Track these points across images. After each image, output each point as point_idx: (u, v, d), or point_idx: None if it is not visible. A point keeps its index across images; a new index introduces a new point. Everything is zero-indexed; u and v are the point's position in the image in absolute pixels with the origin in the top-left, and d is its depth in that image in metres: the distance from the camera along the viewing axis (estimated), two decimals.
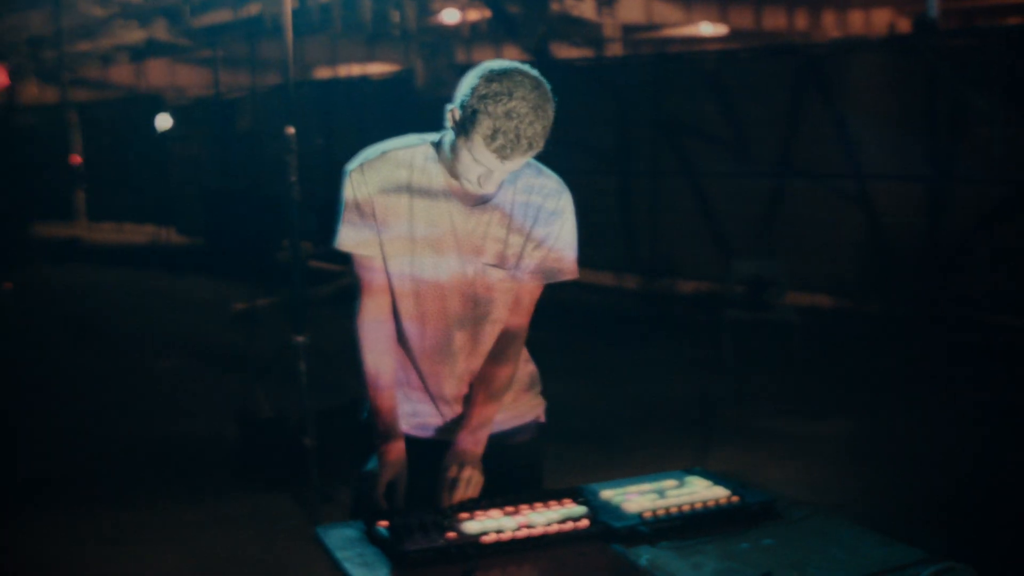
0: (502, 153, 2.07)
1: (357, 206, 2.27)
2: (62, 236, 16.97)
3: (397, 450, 2.31)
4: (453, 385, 2.39)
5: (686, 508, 2.16)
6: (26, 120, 19.69)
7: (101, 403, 6.79)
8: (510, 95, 2.05)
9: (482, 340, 2.36)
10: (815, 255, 8.67)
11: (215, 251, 13.47)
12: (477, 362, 2.38)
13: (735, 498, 2.22)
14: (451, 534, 2.03)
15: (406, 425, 2.41)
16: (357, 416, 2.49)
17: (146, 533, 4.57)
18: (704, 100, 9.64)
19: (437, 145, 2.28)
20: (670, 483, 2.33)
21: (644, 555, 2.00)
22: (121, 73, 22.42)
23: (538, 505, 2.18)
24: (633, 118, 10.27)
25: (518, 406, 2.49)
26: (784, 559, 1.98)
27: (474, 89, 2.07)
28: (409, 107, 12.18)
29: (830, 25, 21.13)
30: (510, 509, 2.16)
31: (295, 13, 5.08)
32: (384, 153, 2.28)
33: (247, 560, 4.31)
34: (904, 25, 18.67)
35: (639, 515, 2.13)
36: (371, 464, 2.34)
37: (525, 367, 2.50)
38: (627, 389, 6.94)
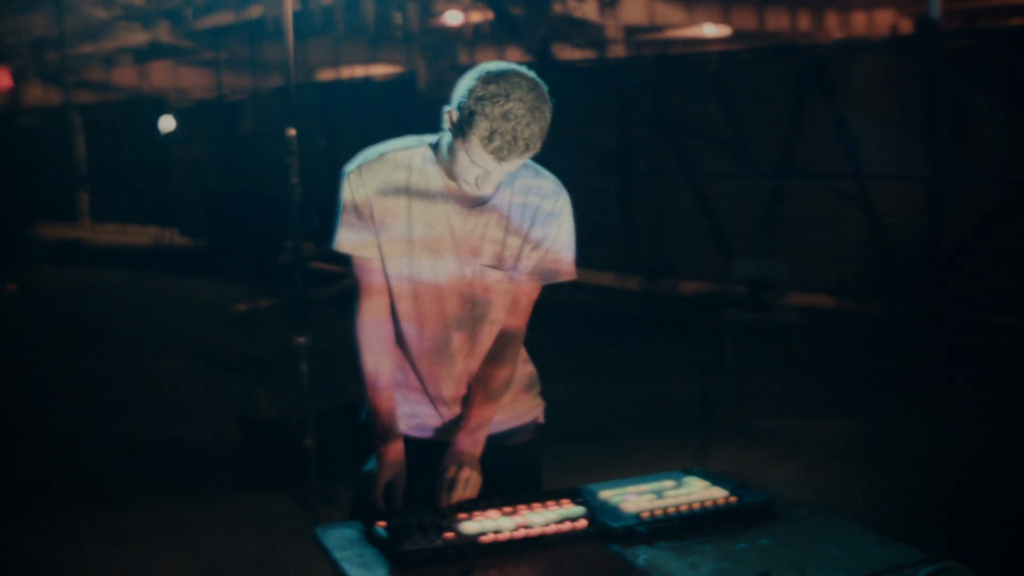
0: (499, 154, 2.08)
1: (355, 208, 2.28)
2: (65, 237, 17.00)
3: (396, 451, 2.31)
4: (451, 386, 2.39)
5: (684, 508, 2.17)
6: (29, 122, 19.74)
7: (102, 403, 6.81)
8: (507, 97, 2.05)
9: (480, 341, 2.37)
10: (816, 255, 8.67)
11: (217, 252, 13.49)
12: (475, 363, 2.38)
13: (733, 498, 2.22)
14: (449, 534, 2.04)
15: (405, 426, 2.42)
16: (357, 417, 2.50)
17: (146, 533, 4.58)
18: (706, 101, 9.64)
19: (435, 147, 2.28)
20: (668, 483, 2.33)
21: (641, 555, 2.01)
22: (124, 75, 22.45)
23: (536, 505, 2.18)
24: (635, 119, 10.27)
25: (517, 407, 2.49)
26: (782, 559, 1.98)
27: (471, 91, 2.08)
28: (412, 109, 12.19)
29: (833, 26, 21.11)
30: (508, 509, 2.16)
31: (297, 15, 5.10)
32: (382, 155, 2.29)
33: (247, 560, 4.31)
34: (906, 26, 18.66)
35: (637, 515, 2.13)
36: (370, 465, 2.35)
37: (524, 368, 2.51)
38: (627, 389, 6.94)
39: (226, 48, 18.31)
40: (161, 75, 22.87)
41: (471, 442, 2.31)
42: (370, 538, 2.09)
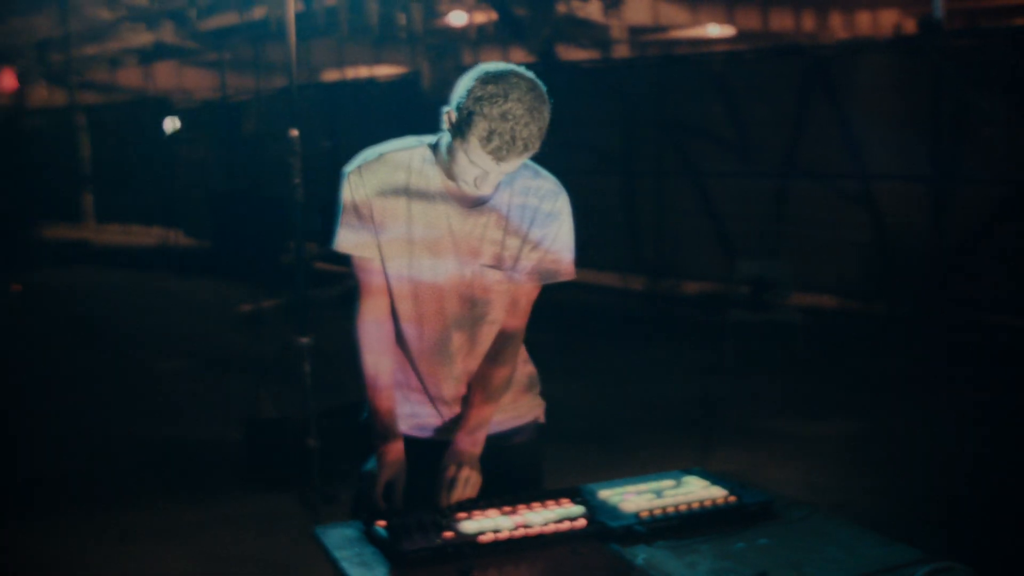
0: (498, 155, 2.08)
1: (355, 208, 2.28)
2: (70, 238, 17.03)
3: (396, 450, 2.32)
4: (451, 386, 2.39)
5: (683, 508, 2.17)
6: (34, 123, 19.76)
7: (104, 403, 6.82)
8: (505, 97, 2.05)
9: (480, 341, 2.37)
10: (819, 255, 8.66)
11: (221, 253, 13.50)
12: (475, 363, 2.38)
13: (732, 498, 2.22)
14: (448, 534, 2.04)
15: (405, 426, 2.42)
16: (358, 417, 2.50)
17: (146, 533, 4.59)
18: (710, 101, 9.63)
19: (434, 147, 2.29)
20: (668, 483, 2.34)
21: (640, 555, 2.01)
22: (128, 76, 22.46)
23: (535, 505, 2.18)
24: (639, 119, 10.27)
25: (517, 407, 2.50)
26: (781, 559, 1.99)
27: (470, 91, 2.08)
28: (416, 109, 12.18)
29: (837, 26, 21.08)
30: (507, 509, 2.17)
31: (301, 16, 5.11)
32: (382, 155, 2.29)
33: (249, 560, 4.32)
34: (910, 26, 18.64)
35: (636, 515, 2.14)
36: (370, 464, 2.36)
37: (524, 368, 2.51)
38: (628, 389, 6.94)
39: (230, 49, 18.31)
40: (165, 76, 22.88)
41: (471, 442, 2.32)
42: (370, 537, 2.10)
